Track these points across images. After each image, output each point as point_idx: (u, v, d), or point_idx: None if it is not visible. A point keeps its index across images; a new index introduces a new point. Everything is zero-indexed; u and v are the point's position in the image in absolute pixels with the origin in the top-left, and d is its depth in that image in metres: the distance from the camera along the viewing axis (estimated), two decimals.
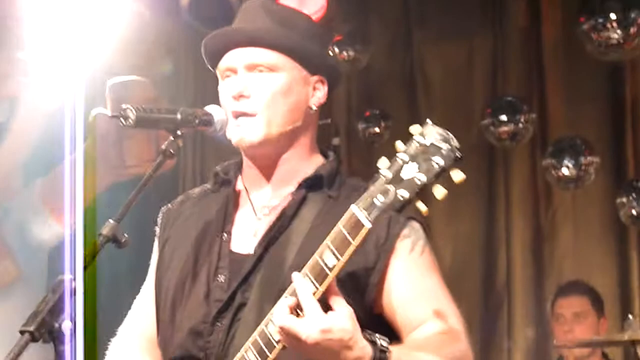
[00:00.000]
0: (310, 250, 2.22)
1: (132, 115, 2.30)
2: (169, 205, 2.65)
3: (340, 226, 2.08)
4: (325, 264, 2.10)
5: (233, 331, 2.34)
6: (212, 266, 2.43)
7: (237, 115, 2.41)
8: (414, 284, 2.33)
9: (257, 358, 2.19)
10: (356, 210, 2.05)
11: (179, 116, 2.36)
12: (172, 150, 2.35)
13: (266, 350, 2.16)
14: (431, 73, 6.35)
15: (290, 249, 2.35)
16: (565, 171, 5.67)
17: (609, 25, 5.23)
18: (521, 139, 5.82)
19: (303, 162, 2.47)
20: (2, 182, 6.13)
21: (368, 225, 2.04)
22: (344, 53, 5.93)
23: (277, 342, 2.14)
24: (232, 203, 2.50)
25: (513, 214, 6.05)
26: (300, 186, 2.44)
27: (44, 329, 2.03)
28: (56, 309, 2.05)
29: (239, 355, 2.22)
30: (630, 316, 4.50)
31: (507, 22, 6.18)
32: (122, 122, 2.32)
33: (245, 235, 2.45)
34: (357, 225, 2.05)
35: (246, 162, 2.51)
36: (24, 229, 6.10)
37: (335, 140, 5.82)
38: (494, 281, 6.14)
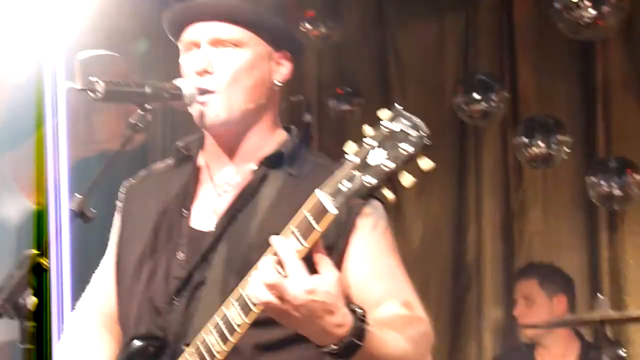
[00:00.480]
0: (271, 229, 2.19)
1: (100, 88, 2.29)
2: (131, 179, 2.62)
3: (305, 211, 2.04)
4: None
5: (191, 310, 2.33)
6: (171, 243, 2.42)
7: (200, 91, 2.38)
8: (373, 263, 2.33)
9: (226, 328, 2.15)
10: (321, 195, 2.01)
11: (148, 90, 2.34)
12: (140, 125, 2.33)
13: (242, 315, 2.11)
14: (403, 50, 6.33)
15: (250, 227, 2.34)
16: (535, 150, 5.67)
17: (581, 4, 5.23)
18: (493, 118, 5.82)
19: (265, 139, 2.46)
20: None
21: (334, 211, 2.00)
22: (316, 29, 5.89)
23: (256, 305, 2.09)
24: (193, 180, 2.48)
25: (483, 192, 6.06)
26: (261, 164, 2.42)
27: (9, 304, 2.01)
28: (22, 285, 2.02)
29: (206, 328, 2.19)
30: (599, 295, 4.53)
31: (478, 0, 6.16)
32: (90, 96, 2.30)
33: (206, 212, 2.44)
34: (322, 211, 2.01)
35: (208, 139, 2.49)
36: None
37: (307, 117, 5.79)
38: (464, 260, 6.15)
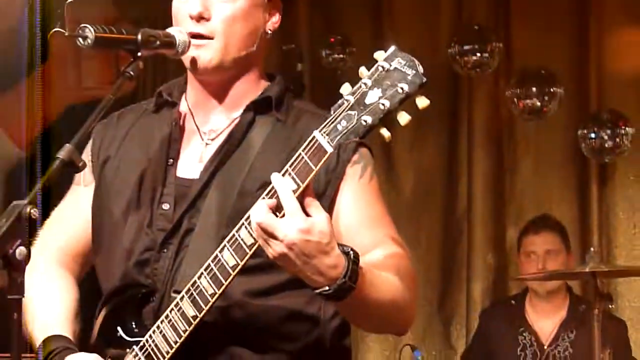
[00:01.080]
0: (259, 174, 2.23)
1: (90, 34, 2.22)
2: (103, 121, 2.54)
3: (301, 151, 2.04)
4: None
5: (180, 257, 2.32)
6: (156, 193, 2.39)
7: (194, 36, 2.34)
8: (362, 210, 2.33)
9: (219, 271, 2.14)
10: (318, 135, 2.01)
11: (139, 37, 2.28)
12: (132, 72, 2.27)
13: (235, 257, 2.11)
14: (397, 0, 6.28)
15: (238, 173, 2.32)
16: (528, 102, 5.65)
17: None
18: (487, 69, 5.79)
19: (252, 86, 2.44)
20: None
21: (330, 149, 2.00)
22: None
23: (250, 247, 2.09)
24: (177, 126, 2.45)
25: (475, 144, 6.04)
26: (248, 108, 2.40)
27: None
28: (10, 235, 1.97)
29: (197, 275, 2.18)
30: (591, 248, 4.53)
31: None
32: (80, 42, 2.24)
33: (191, 160, 2.41)
34: (318, 150, 2.01)
35: (192, 84, 2.46)
36: None
37: (299, 67, 5.75)
38: (455, 210, 6.15)
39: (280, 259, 2.05)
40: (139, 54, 2.28)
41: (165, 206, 2.37)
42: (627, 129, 5.60)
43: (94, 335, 2.42)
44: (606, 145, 5.61)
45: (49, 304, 2.49)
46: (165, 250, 2.33)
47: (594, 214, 5.84)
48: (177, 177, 2.39)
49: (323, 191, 2.29)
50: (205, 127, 2.43)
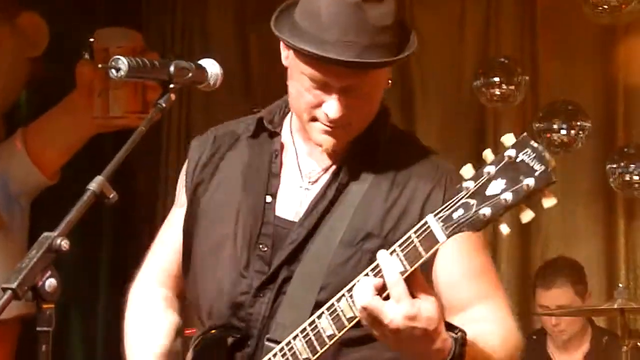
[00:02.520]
0: (361, 225, 2.18)
1: (124, 66, 2.22)
2: (200, 137, 2.51)
3: (413, 234, 1.97)
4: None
5: (277, 305, 2.27)
6: (254, 232, 2.33)
7: (327, 129, 2.26)
8: (463, 262, 2.27)
9: (316, 339, 2.10)
10: (432, 221, 1.94)
11: (172, 69, 2.28)
12: (164, 104, 2.26)
13: (333, 327, 2.06)
14: (423, 30, 6.25)
15: (341, 221, 2.26)
16: (555, 135, 5.63)
17: None
18: (513, 101, 5.77)
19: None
20: None
21: (443, 239, 1.94)
22: None
23: (349, 320, 2.05)
24: (277, 160, 2.38)
25: None
26: (354, 149, 2.32)
27: (27, 286, 1.95)
28: (41, 267, 1.97)
29: (286, 340, 2.15)
30: (620, 285, 4.49)
31: None
32: (113, 74, 2.23)
33: (290, 200, 2.36)
34: (430, 237, 1.95)
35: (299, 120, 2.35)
36: (5, 179, 6.04)
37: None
38: None
39: (385, 340, 2.01)
40: (171, 85, 2.27)
41: (263, 247, 2.32)
42: None
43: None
44: (634, 179, 5.57)
45: (146, 332, 2.48)
46: (261, 296, 2.28)
47: (621, 249, 5.80)
48: (277, 216, 2.33)
49: None
50: (307, 167, 2.37)
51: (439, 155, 2.41)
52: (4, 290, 1.94)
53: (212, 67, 2.35)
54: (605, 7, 5.23)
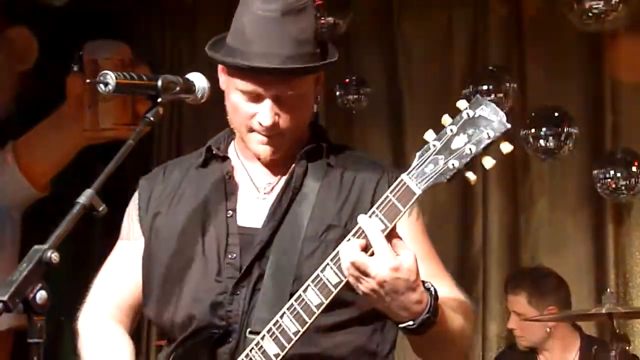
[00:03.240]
0: (321, 219, 2.36)
1: (112, 81, 2.25)
2: (148, 176, 2.64)
3: (389, 194, 2.14)
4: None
5: (254, 301, 2.38)
6: (221, 244, 2.46)
7: (263, 139, 2.44)
8: (415, 246, 2.36)
9: (304, 311, 2.21)
10: (406, 178, 2.12)
11: (159, 83, 2.32)
12: (152, 118, 2.31)
13: (320, 296, 2.19)
14: (411, 40, 6.31)
15: (301, 219, 2.41)
16: (543, 142, 5.65)
17: None
18: (501, 108, 5.75)
19: (301, 139, 2.53)
20: None
21: (418, 192, 2.12)
22: (323, 19, 5.86)
23: (336, 286, 2.18)
24: (231, 180, 2.52)
25: (490, 183, 6.04)
26: (301, 157, 2.49)
27: (18, 299, 1.97)
28: (31, 280, 1.99)
29: (274, 320, 2.25)
30: (608, 289, 4.51)
31: None
32: (101, 88, 2.26)
33: (250, 211, 2.49)
34: (407, 192, 2.12)
35: (245, 145, 2.52)
36: None
37: (315, 107, 5.76)
38: (470, 250, 6.15)
39: (371, 295, 2.15)
40: (159, 100, 2.31)
41: (232, 255, 2.44)
42: None
43: None
44: (621, 185, 5.58)
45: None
46: (238, 293, 2.39)
47: (610, 253, 5.80)
48: (240, 226, 2.47)
49: None
50: (260, 181, 2.53)
51: (376, 160, 2.64)
52: None
53: (199, 81, 2.39)
54: (590, 14, 5.23)
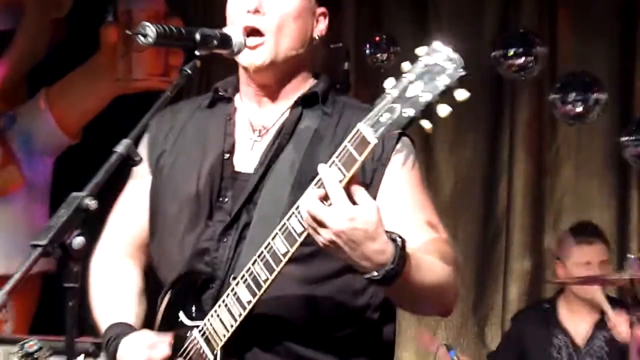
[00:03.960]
0: (311, 167, 2.26)
1: (152, 33, 2.25)
2: (158, 114, 2.54)
3: (347, 143, 2.09)
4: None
5: (239, 249, 2.39)
6: (214, 187, 2.47)
7: (249, 30, 2.42)
8: (406, 195, 2.39)
9: (272, 258, 2.21)
10: (362, 127, 2.07)
11: (197, 36, 2.32)
12: (190, 71, 2.31)
13: (286, 244, 2.18)
14: (443, 1, 6.27)
15: (291, 166, 2.39)
16: (571, 106, 5.63)
17: None
18: (531, 73, 5.76)
19: (300, 84, 2.54)
20: (9, 90, 6.10)
21: (374, 141, 2.05)
22: None
23: (300, 235, 2.15)
24: (231, 121, 2.53)
25: (516, 146, 6.02)
26: (296, 103, 2.49)
27: (56, 243, 1.99)
28: (69, 226, 2.00)
29: (248, 265, 2.25)
30: (630, 255, 4.50)
31: None
32: (140, 40, 2.27)
33: (246, 153, 2.49)
34: (362, 141, 2.06)
35: (245, 81, 2.54)
36: (29, 137, 6.09)
37: (346, 65, 5.75)
38: (494, 212, 6.15)
39: (329, 246, 2.11)
40: (197, 52, 2.32)
41: (224, 200, 2.45)
42: None
43: (158, 321, 2.52)
44: None
45: (113, 293, 2.59)
46: (225, 240, 2.41)
47: (634, 219, 5.81)
48: (235, 171, 2.47)
49: (370, 180, 2.37)
50: (257, 122, 2.51)
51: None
52: (34, 247, 1.97)
53: (236, 35, 2.40)
54: None
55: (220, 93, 2.58)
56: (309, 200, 2.09)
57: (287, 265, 2.21)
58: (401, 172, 2.40)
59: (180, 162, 2.55)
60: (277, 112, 2.50)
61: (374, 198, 2.28)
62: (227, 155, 2.49)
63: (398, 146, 2.40)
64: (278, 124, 2.48)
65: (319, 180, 2.11)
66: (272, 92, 2.52)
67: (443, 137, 6.03)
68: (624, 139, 5.59)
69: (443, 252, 2.33)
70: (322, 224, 2.07)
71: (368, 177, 2.37)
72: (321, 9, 2.52)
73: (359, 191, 2.10)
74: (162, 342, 2.36)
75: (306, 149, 2.41)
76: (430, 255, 2.28)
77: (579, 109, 5.61)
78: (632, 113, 5.81)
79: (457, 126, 6.06)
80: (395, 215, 2.33)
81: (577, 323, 5.11)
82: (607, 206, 5.92)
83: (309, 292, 2.38)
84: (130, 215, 2.64)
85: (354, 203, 2.08)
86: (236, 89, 2.58)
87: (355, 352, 2.44)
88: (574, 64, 5.92)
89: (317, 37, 2.53)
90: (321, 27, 2.53)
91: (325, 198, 2.09)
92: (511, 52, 5.67)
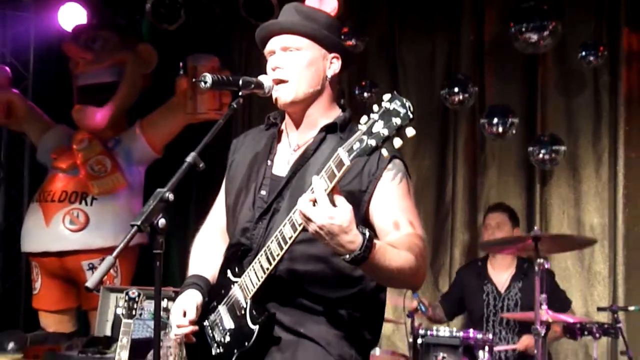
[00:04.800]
0: None
1: (209, 80, 2.27)
2: (240, 137, 2.62)
3: (330, 162, 2.03)
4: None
5: (269, 229, 2.35)
6: (258, 183, 2.43)
7: (276, 81, 2.38)
8: (392, 202, 2.30)
9: (282, 240, 2.18)
10: (341, 152, 2.01)
11: (241, 82, 2.33)
12: (235, 105, 2.32)
13: (291, 231, 2.14)
14: (407, 59, 6.26)
15: (310, 173, 2.33)
16: (494, 128, 5.61)
17: (528, 30, 5.17)
18: (467, 105, 5.75)
19: (324, 114, 2.44)
20: (115, 122, 6.11)
21: (348, 163, 1.99)
22: (348, 41, 5.84)
23: (300, 225, 2.11)
24: (276, 139, 2.49)
25: (458, 156, 5.99)
26: (321, 130, 2.41)
27: (147, 223, 2.00)
28: (155, 211, 2.02)
29: (272, 238, 2.22)
30: (535, 227, 4.49)
31: (460, 27, 6.05)
32: (202, 85, 2.27)
33: (282, 162, 2.44)
34: (340, 162, 2.01)
35: (285, 113, 2.49)
36: (129, 153, 6.09)
37: (342, 101, 5.74)
38: (444, 200, 6.11)
39: (315, 235, 2.05)
40: (240, 93, 2.33)
41: (263, 192, 2.41)
42: (560, 147, 5.56)
43: (217, 274, 2.49)
44: (546, 158, 5.55)
45: (203, 259, 2.57)
46: (260, 223, 2.37)
47: (537, 205, 5.76)
48: (272, 174, 2.44)
49: (366, 188, 2.29)
50: (293, 141, 2.46)
51: None
52: (133, 226, 1.99)
53: (266, 81, 2.40)
54: (529, 42, 5.23)
55: (272, 120, 2.53)
56: (303, 202, 2.04)
57: (298, 245, 2.17)
58: (390, 184, 2.29)
59: (240, 167, 2.51)
60: (308, 135, 2.43)
61: (369, 202, 2.26)
62: (269, 163, 2.45)
63: (389, 165, 2.31)
64: (307, 143, 2.41)
65: (312, 187, 2.05)
66: (301, 120, 2.44)
67: (408, 150, 6.02)
68: (530, 149, 5.58)
69: (412, 244, 2.20)
70: (310, 220, 2.02)
71: (364, 186, 2.29)
72: (333, 54, 2.41)
73: (338, 198, 2.04)
74: (192, 306, 2.36)
75: (323, 162, 2.31)
76: (402, 245, 2.18)
77: (500, 130, 5.59)
78: (535, 132, 5.79)
79: (418, 142, 6.05)
80: (384, 216, 2.27)
81: (499, 275, 5.06)
82: (519, 196, 5.88)
83: (315, 264, 2.31)
84: (219, 206, 2.61)
85: (334, 205, 2.03)
86: (283, 118, 2.51)
87: (355, 308, 2.35)
88: (497, 99, 5.89)
89: (329, 76, 2.41)
90: (334, 67, 2.41)
91: (315, 200, 2.04)
92: (454, 90, 5.65)
